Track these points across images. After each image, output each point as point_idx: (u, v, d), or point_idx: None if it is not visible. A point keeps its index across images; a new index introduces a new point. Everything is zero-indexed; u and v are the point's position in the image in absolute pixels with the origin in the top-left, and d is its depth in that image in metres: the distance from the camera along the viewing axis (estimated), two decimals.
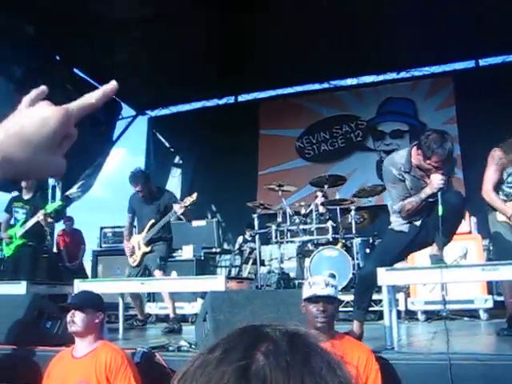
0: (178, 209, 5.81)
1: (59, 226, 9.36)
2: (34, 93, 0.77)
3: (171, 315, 5.69)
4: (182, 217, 6.09)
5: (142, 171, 6.20)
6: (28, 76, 8.71)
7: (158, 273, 5.77)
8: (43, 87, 0.78)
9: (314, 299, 2.87)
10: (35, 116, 0.72)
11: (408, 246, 4.10)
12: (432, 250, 4.11)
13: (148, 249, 5.92)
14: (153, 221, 5.92)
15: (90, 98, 0.77)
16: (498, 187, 4.45)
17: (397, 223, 4.09)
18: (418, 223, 4.03)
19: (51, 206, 6.73)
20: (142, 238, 5.96)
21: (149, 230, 5.94)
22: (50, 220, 6.78)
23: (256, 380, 0.55)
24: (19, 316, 4.19)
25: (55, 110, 0.73)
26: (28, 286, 5.10)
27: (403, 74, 11.60)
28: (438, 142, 3.59)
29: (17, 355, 3.96)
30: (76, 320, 3.05)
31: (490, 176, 4.42)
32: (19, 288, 5.07)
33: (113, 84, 0.79)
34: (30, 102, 0.75)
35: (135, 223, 6.33)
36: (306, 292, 2.91)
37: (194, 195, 5.85)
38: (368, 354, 2.88)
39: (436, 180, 3.69)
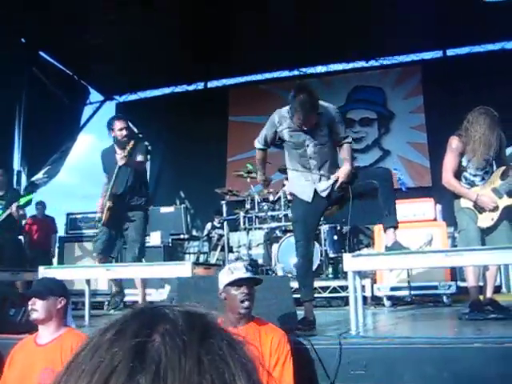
0: (119, 159, 5.43)
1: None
2: None
3: (140, 301, 5.62)
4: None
5: None
6: None
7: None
8: None
9: (237, 283, 2.91)
10: None
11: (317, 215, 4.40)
12: (387, 240, 4.16)
13: (110, 203, 5.51)
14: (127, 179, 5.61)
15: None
16: (460, 175, 4.52)
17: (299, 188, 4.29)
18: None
19: (24, 199, 6.80)
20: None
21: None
22: (21, 212, 6.91)
23: (150, 361, 0.53)
24: None
25: None
26: None
27: (372, 63, 11.68)
28: (298, 103, 3.92)
29: None
30: (36, 307, 3.00)
31: (449, 163, 4.49)
32: None
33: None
34: None
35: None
36: (228, 277, 2.93)
37: (131, 143, 5.44)
38: (281, 336, 2.98)
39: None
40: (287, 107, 4.18)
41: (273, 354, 2.85)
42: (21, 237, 8.39)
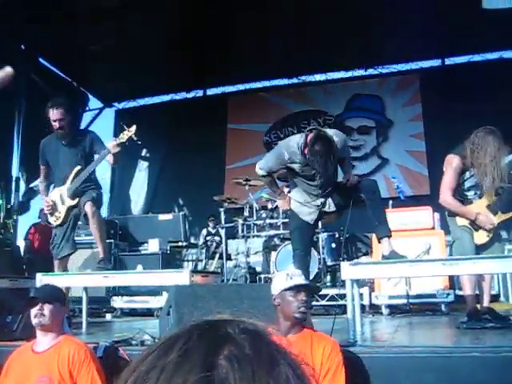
0: (112, 146, 4.87)
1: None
2: None
3: (101, 255, 5.08)
4: (109, 160, 5.08)
5: (66, 97, 5.49)
6: None
7: (89, 206, 4.88)
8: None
9: (295, 289, 2.85)
10: None
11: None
12: (383, 250, 4.16)
13: (74, 202, 5.02)
14: (78, 167, 5.03)
15: None
16: (455, 191, 4.45)
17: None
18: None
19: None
20: (65, 189, 5.07)
21: (74, 178, 5.04)
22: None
23: None
24: None
25: None
26: None
27: (371, 71, 11.72)
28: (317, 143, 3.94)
29: None
30: (45, 313, 2.98)
31: (448, 183, 4.36)
32: None
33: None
34: None
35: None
36: (285, 283, 2.87)
37: (133, 128, 4.97)
38: (333, 345, 2.91)
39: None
40: (295, 140, 4.19)
41: (324, 362, 2.77)
42: (20, 243, 8.33)
